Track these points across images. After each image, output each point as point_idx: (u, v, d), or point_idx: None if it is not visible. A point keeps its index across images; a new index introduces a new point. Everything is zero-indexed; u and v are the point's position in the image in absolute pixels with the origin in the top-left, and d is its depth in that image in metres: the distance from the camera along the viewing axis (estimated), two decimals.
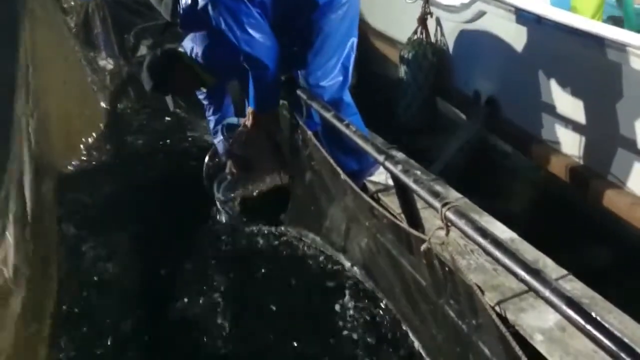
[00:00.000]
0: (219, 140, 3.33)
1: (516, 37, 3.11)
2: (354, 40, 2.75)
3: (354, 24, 2.76)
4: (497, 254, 1.39)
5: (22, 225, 2.59)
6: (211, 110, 3.37)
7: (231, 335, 2.61)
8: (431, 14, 3.67)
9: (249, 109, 2.80)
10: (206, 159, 3.29)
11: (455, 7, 3.53)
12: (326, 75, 2.73)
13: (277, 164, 3.16)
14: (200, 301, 2.82)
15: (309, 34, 2.66)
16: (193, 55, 2.99)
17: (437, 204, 1.57)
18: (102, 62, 5.12)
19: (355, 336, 2.54)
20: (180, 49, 3.07)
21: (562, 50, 2.84)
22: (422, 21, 3.70)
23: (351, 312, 2.67)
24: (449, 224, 1.54)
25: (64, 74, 4.55)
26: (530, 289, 1.34)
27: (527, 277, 1.34)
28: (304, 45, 2.69)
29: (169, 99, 3.19)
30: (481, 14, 3.32)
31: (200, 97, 3.35)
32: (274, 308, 2.78)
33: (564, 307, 1.25)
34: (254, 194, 3.30)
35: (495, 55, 3.32)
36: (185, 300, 2.81)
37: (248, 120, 2.83)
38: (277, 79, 2.69)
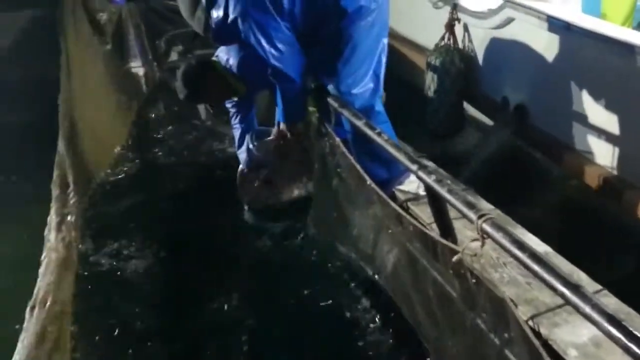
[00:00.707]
0: (242, 150, 3.36)
1: (545, 43, 3.07)
2: (384, 44, 2.75)
3: (384, 30, 2.76)
4: (536, 267, 1.37)
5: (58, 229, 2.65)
6: (237, 119, 3.39)
7: (253, 338, 2.63)
8: (459, 20, 3.65)
9: (278, 121, 2.83)
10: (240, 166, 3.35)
11: (483, 13, 3.50)
12: (357, 82, 2.73)
13: (304, 173, 3.18)
14: (225, 304, 2.84)
15: (338, 42, 2.67)
16: (228, 65, 3.02)
17: (473, 216, 1.55)
18: (135, 69, 5.21)
19: (376, 345, 2.55)
20: (215, 58, 3.09)
21: (593, 57, 2.81)
22: (450, 27, 3.69)
23: (376, 321, 2.68)
24: (485, 236, 1.52)
25: (95, 83, 4.66)
26: (570, 304, 1.31)
27: (567, 292, 1.31)
28: (334, 54, 2.69)
29: (201, 108, 3.24)
30: (510, 20, 3.30)
31: (228, 105, 3.37)
32: (294, 311, 2.81)
33: (605, 324, 1.22)
34: (282, 202, 3.34)
35: (524, 61, 3.29)
36: (209, 302, 2.83)
37: (276, 131, 2.89)
38: (303, 91, 2.73)
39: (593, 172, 2.89)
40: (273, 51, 2.54)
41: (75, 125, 3.55)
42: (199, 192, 3.79)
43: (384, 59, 2.78)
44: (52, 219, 2.53)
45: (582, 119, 2.98)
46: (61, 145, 3.00)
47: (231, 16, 2.55)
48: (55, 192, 2.67)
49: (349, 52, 2.68)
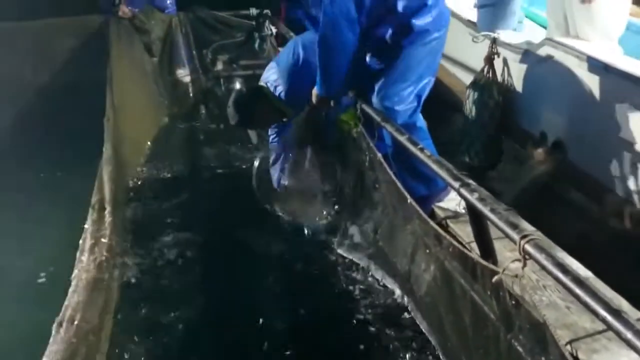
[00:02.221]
0: (276, 168, 3.42)
1: (583, 81, 3.08)
2: (434, 71, 2.79)
3: (437, 61, 2.79)
4: (578, 291, 1.35)
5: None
6: (277, 137, 3.45)
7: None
8: (498, 54, 3.67)
9: (314, 91, 2.84)
10: (256, 163, 3.41)
11: (523, 49, 3.52)
12: (402, 101, 2.75)
13: (316, 187, 3.19)
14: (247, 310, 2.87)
15: (395, 57, 2.69)
16: (277, 92, 3.11)
17: (516, 236, 1.54)
18: (182, 77, 5.36)
19: None
20: (263, 84, 3.18)
21: (631, 99, 2.78)
22: (489, 60, 3.72)
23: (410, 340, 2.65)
24: (527, 257, 1.51)
25: (140, 93, 4.83)
26: (611, 329, 1.30)
27: (608, 317, 1.30)
28: (388, 67, 2.71)
29: (252, 133, 3.34)
30: (549, 57, 3.31)
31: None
32: (321, 323, 2.80)
33: None
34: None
35: (562, 97, 3.30)
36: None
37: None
38: (344, 70, 2.69)
39: (632, 214, 2.84)
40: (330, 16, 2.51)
41: (119, 140, 3.67)
42: (238, 205, 3.81)
43: (428, 87, 2.82)
44: (87, 241, 2.56)
45: (621, 159, 2.94)
46: (104, 168, 3.09)
47: None
48: (92, 215, 2.72)
49: (402, 70, 2.71)
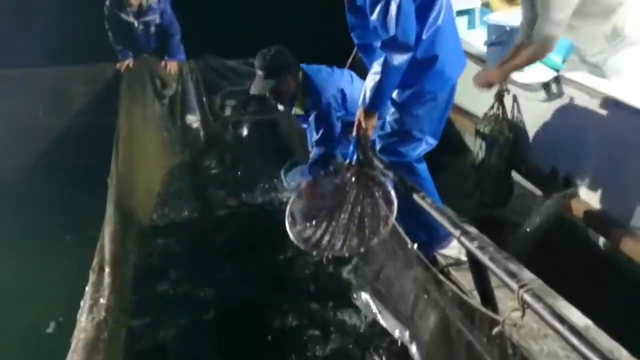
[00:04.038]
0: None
1: (595, 118, 3.09)
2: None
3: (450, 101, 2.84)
4: (574, 341, 1.37)
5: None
6: None
7: None
8: (508, 91, 3.71)
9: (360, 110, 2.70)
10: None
11: (533, 86, 3.56)
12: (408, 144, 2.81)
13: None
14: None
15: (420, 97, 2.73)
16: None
17: (514, 285, 1.57)
18: (192, 122, 5.50)
19: None
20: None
21: None
22: (499, 97, 3.74)
23: None
24: (526, 306, 1.53)
25: (150, 137, 4.95)
26: None
27: None
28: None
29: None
30: (559, 94, 3.34)
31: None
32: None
33: None
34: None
35: (573, 134, 3.30)
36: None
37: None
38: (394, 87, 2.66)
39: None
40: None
41: (127, 191, 3.78)
42: (248, 248, 3.88)
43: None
44: (86, 302, 2.62)
45: (632, 196, 2.95)
46: (106, 229, 3.15)
47: None
48: (92, 277, 2.77)
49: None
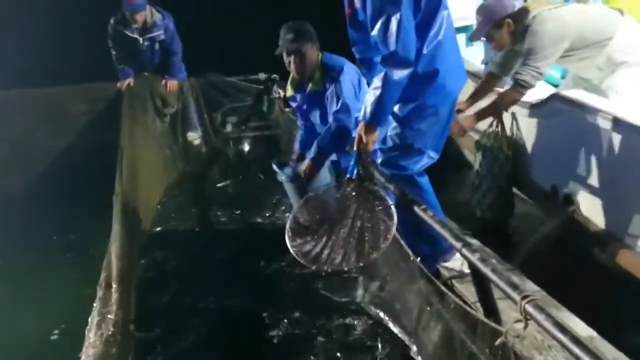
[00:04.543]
0: None
1: (592, 135, 3.10)
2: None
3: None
4: (577, 351, 1.38)
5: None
6: None
7: None
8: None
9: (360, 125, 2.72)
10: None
11: (532, 103, 3.58)
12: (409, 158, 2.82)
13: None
14: None
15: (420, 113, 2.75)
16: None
17: (517, 296, 1.58)
18: (194, 139, 5.54)
19: None
20: None
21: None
22: (498, 115, 3.76)
23: None
24: (528, 317, 1.54)
25: (152, 154, 5.01)
26: None
27: None
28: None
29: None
30: (558, 111, 3.36)
31: None
32: None
33: None
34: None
35: (572, 151, 3.31)
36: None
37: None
38: (394, 102, 2.67)
39: None
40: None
41: (131, 208, 3.80)
42: (250, 262, 3.88)
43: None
44: (94, 318, 2.63)
45: (631, 211, 2.96)
46: (112, 245, 3.16)
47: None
48: (99, 292, 2.79)
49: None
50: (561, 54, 3.19)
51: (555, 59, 3.24)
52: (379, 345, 2.99)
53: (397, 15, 2.40)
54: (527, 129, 3.71)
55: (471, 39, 3.67)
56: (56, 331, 3.28)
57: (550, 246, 3.40)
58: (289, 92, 3.57)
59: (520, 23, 3.23)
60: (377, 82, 2.53)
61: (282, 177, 3.46)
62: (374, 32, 2.50)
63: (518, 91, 3.26)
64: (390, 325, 3.02)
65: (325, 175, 3.40)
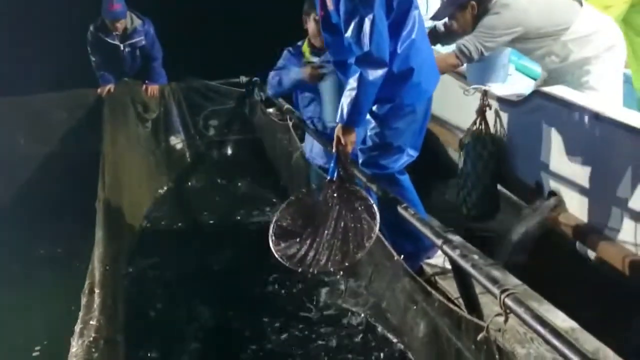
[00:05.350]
0: None
1: (575, 131, 3.14)
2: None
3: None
4: (556, 342, 1.40)
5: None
6: None
7: None
8: (490, 106, 3.75)
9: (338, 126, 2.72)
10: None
11: (514, 101, 3.61)
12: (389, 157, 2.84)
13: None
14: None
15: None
16: None
17: (496, 291, 1.60)
18: (176, 143, 5.53)
19: None
20: None
21: (623, 146, 2.85)
22: (481, 113, 3.77)
23: None
24: (508, 311, 1.56)
25: (135, 160, 4.97)
26: None
27: None
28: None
29: None
30: (540, 108, 3.39)
31: None
32: None
33: None
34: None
35: (555, 147, 3.33)
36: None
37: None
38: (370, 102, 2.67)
39: (626, 259, 2.86)
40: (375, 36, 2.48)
41: (115, 214, 3.78)
42: (235, 266, 3.88)
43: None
44: (78, 326, 2.61)
45: (615, 207, 3.00)
46: (95, 251, 3.14)
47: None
48: (83, 300, 2.76)
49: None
50: (512, 38, 3.23)
51: (504, 42, 3.29)
52: (366, 345, 3.00)
53: (370, 16, 2.43)
54: (510, 126, 3.73)
55: (434, 18, 3.60)
56: (38, 347, 3.23)
57: (535, 241, 3.43)
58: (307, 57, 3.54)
59: (483, 7, 3.26)
60: (352, 83, 2.55)
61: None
62: (348, 33, 2.52)
63: (457, 57, 3.27)
64: (377, 324, 3.03)
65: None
